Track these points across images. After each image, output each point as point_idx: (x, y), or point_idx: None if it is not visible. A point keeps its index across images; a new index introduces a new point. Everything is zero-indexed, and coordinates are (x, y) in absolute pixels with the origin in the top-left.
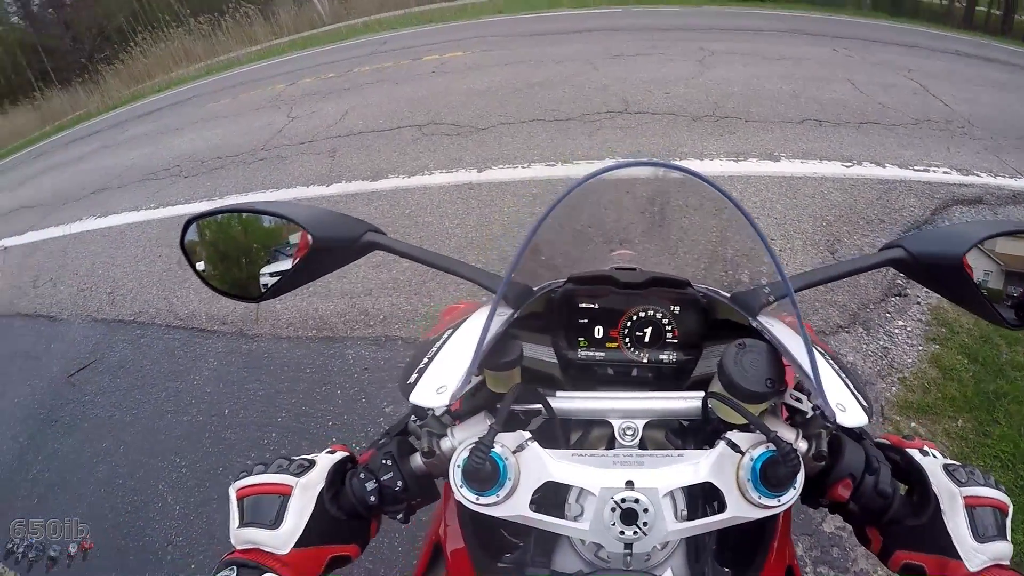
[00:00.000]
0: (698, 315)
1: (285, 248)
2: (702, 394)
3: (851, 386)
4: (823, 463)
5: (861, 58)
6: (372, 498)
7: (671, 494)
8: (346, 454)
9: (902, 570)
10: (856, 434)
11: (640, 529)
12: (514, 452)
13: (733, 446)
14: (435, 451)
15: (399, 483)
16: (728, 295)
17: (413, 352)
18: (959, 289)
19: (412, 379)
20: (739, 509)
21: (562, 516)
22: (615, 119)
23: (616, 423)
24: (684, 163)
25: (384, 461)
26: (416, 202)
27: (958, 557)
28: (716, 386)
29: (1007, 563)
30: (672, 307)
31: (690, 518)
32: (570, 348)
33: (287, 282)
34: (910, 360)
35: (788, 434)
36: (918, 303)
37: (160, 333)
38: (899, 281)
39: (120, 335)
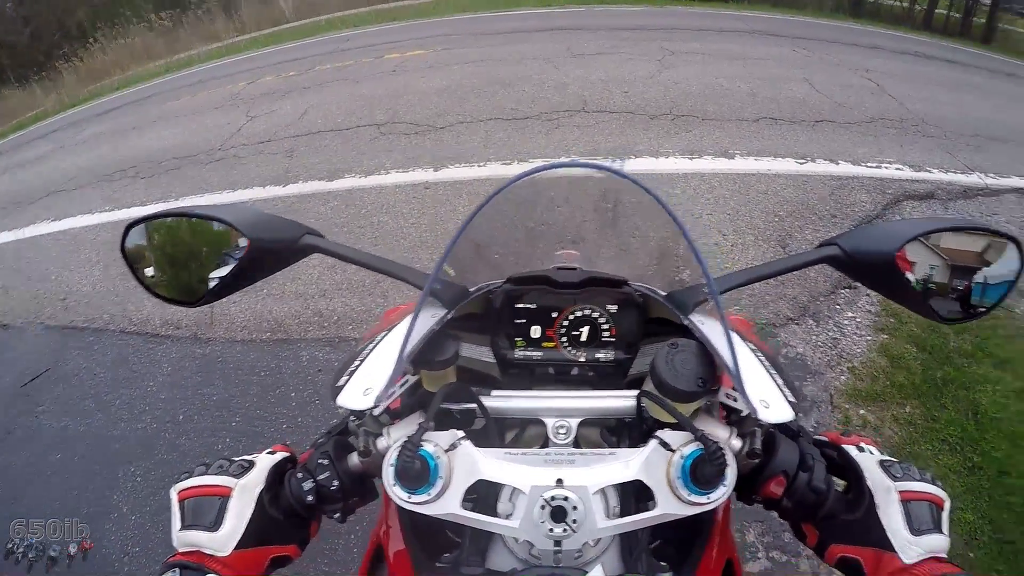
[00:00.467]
0: (636, 314)
1: (234, 251)
2: (635, 393)
3: (780, 383)
4: (757, 460)
5: (820, 58)
6: (309, 498)
7: (603, 492)
8: (286, 454)
9: (838, 564)
10: (793, 432)
11: (569, 527)
12: (446, 451)
13: (664, 444)
14: (371, 450)
15: (335, 482)
16: (664, 294)
17: (347, 354)
18: (892, 285)
19: (341, 381)
20: (669, 506)
21: (496, 515)
22: (573, 118)
23: (550, 422)
24: (639, 161)
25: (321, 460)
26: (372, 202)
27: (893, 550)
28: (649, 385)
29: (944, 555)
30: (609, 306)
31: (623, 515)
32: (508, 348)
33: (226, 286)
34: (859, 350)
35: (721, 432)
36: (867, 295)
37: (114, 339)
38: None
39: (74, 342)
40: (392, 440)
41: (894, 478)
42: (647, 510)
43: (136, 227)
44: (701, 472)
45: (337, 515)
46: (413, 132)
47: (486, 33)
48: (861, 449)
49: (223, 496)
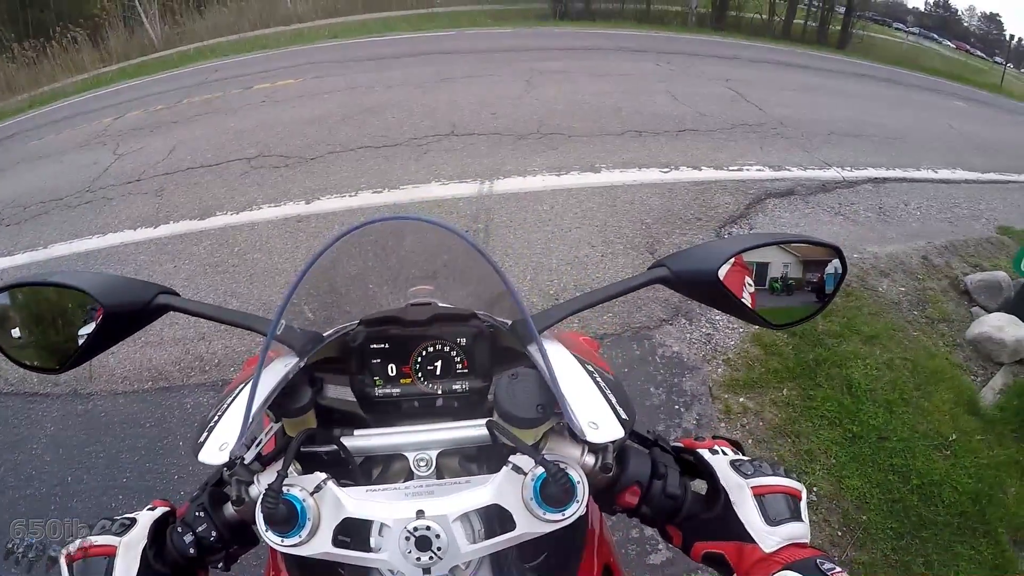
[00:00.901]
0: (486, 344)
1: (90, 316)
2: (484, 422)
3: (613, 402)
4: (611, 474)
5: (683, 71)
6: (191, 551)
7: (466, 517)
8: (167, 509)
9: (704, 559)
10: (650, 441)
11: (435, 554)
12: (312, 493)
13: (517, 469)
14: (244, 498)
15: (213, 533)
16: (509, 323)
17: (210, 409)
18: (720, 300)
19: (202, 438)
20: (528, 526)
21: (370, 550)
22: (442, 142)
23: (411, 455)
24: (508, 181)
25: (198, 513)
26: (245, 239)
27: (753, 541)
28: (495, 415)
29: (805, 541)
30: (460, 339)
31: (489, 537)
32: (369, 386)
33: (87, 350)
34: (732, 342)
35: (572, 451)
36: None
37: None
38: None
39: None
40: (262, 487)
41: (744, 475)
42: (511, 530)
43: None
44: (549, 492)
45: (221, 564)
46: (283, 164)
47: (356, 60)
48: (715, 452)
49: (109, 555)
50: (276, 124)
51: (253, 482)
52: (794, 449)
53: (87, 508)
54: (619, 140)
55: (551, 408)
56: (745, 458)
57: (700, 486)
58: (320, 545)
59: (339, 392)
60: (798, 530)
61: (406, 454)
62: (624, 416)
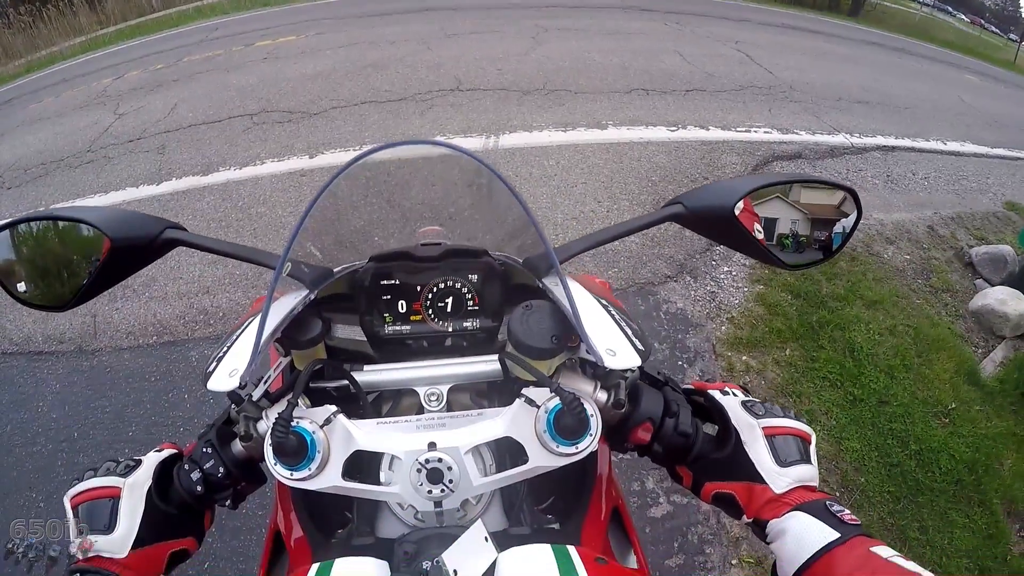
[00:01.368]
0: (498, 282)
1: (97, 251)
2: (496, 356)
3: (629, 334)
4: (623, 410)
5: (691, 31)
6: (198, 488)
7: (477, 451)
8: (173, 450)
9: (714, 500)
10: (660, 382)
11: (446, 486)
12: (322, 426)
13: (530, 401)
14: (252, 434)
15: (221, 469)
16: (521, 260)
17: (219, 344)
18: (733, 237)
19: (211, 367)
20: (541, 459)
21: (379, 484)
22: (447, 97)
23: (421, 390)
24: (513, 136)
25: (205, 450)
26: (248, 194)
27: (763, 481)
28: (509, 347)
29: (814, 484)
30: (471, 276)
31: (500, 471)
32: (379, 325)
33: (93, 286)
34: (737, 301)
35: (585, 386)
36: None
37: None
38: None
39: None
40: (271, 421)
41: (756, 416)
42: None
43: None
44: (564, 423)
45: (228, 502)
46: (287, 120)
47: (359, 16)
48: (725, 392)
49: (114, 497)
50: (279, 80)
51: (261, 418)
52: (796, 409)
53: (94, 462)
54: (626, 98)
55: (565, 339)
56: (756, 400)
57: (710, 430)
58: (330, 479)
59: (348, 332)
60: (808, 472)
61: (417, 389)
62: (640, 346)
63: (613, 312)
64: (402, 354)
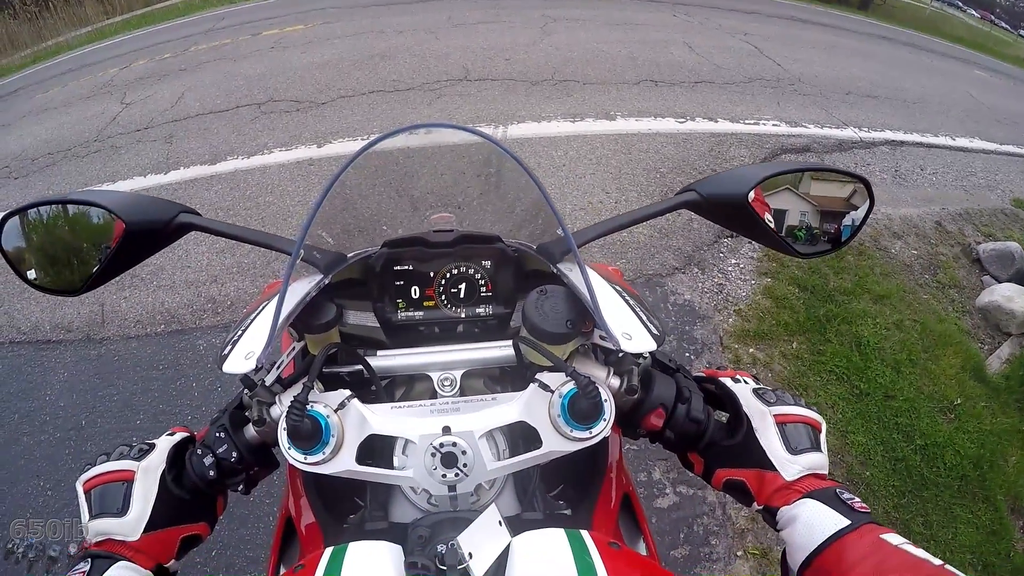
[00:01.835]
0: (510, 268)
1: (111, 235)
2: (510, 341)
3: (644, 319)
4: (636, 396)
5: (700, 23)
6: (211, 472)
7: (490, 436)
8: (186, 434)
9: (725, 487)
10: (671, 369)
11: (461, 471)
12: (336, 410)
13: (544, 386)
14: (265, 419)
15: (234, 454)
16: (534, 246)
17: (232, 328)
18: (747, 224)
19: (226, 351)
20: (554, 444)
21: (392, 468)
22: (455, 87)
23: (435, 375)
24: (522, 126)
25: (218, 434)
26: (256, 183)
27: (774, 468)
28: (523, 332)
29: (824, 472)
30: (484, 262)
31: (513, 456)
32: (391, 311)
33: (106, 270)
34: (744, 293)
35: (599, 372)
36: (750, 242)
37: (4, 351)
38: None
39: None
40: (284, 406)
41: (767, 403)
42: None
43: (12, 219)
44: (578, 408)
45: (241, 487)
46: (294, 109)
47: (366, 5)
48: (736, 380)
49: (127, 480)
50: (286, 69)
51: (275, 403)
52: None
53: (102, 450)
54: (635, 89)
55: (580, 324)
56: (768, 387)
57: (721, 418)
58: (344, 463)
59: (360, 319)
60: (818, 460)
61: (430, 374)
62: (655, 331)
63: (627, 297)
64: (414, 340)
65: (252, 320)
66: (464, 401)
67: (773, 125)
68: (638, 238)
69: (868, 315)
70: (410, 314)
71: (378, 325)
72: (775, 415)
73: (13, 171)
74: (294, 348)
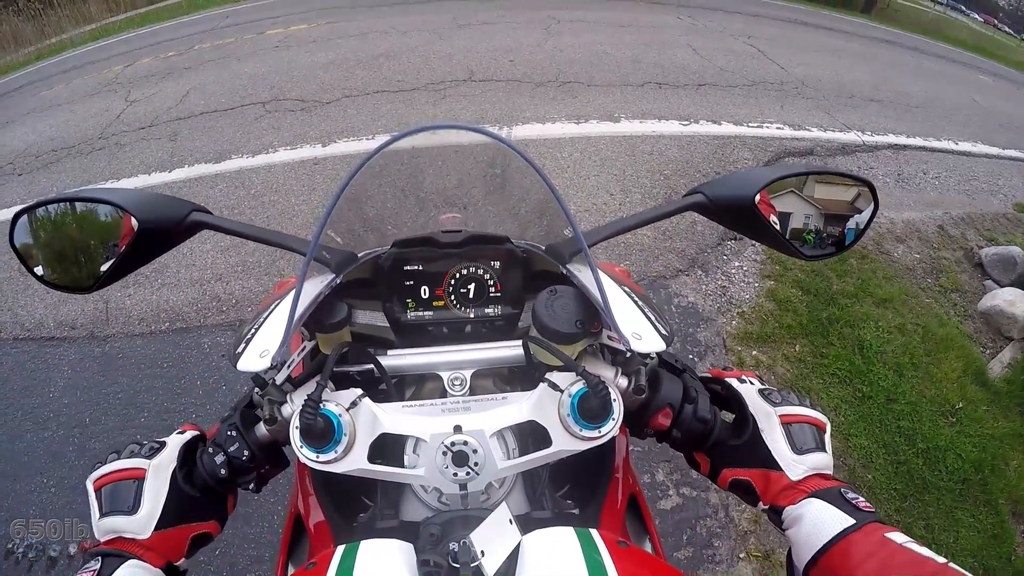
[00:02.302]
0: (519, 269)
1: (123, 233)
2: (520, 341)
3: (652, 319)
4: (643, 396)
5: (704, 25)
6: (222, 471)
7: (501, 435)
8: (196, 432)
9: (731, 486)
10: (678, 369)
11: (472, 469)
12: (348, 409)
13: (553, 386)
14: (277, 418)
15: (245, 452)
16: (543, 247)
17: (244, 325)
18: (754, 227)
19: (240, 349)
20: (564, 443)
21: (403, 467)
22: (460, 87)
23: (445, 375)
24: (526, 127)
25: (230, 433)
26: (261, 182)
27: (780, 469)
28: (533, 332)
29: (828, 472)
30: (493, 263)
31: (522, 456)
32: (401, 311)
33: (117, 269)
34: (748, 296)
35: (607, 372)
36: (753, 245)
37: (8, 348)
38: None
39: None
40: (296, 405)
41: (773, 403)
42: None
43: (23, 216)
44: (588, 407)
45: (251, 486)
46: (299, 108)
47: (370, 5)
48: (742, 381)
49: (138, 479)
50: (291, 69)
51: (286, 401)
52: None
53: (105, 448)
54: (639, 91)
55: (589, 324)
56: (773, 388)
57: (727, 418)
58: (355, 461)
59: (367, 318)
60: (823, 460)
61: (440, 373)
62: (664, 331)
63: (635, 297)
64: (423, 340)
65: (265, 318)
66: (475, 400)
67: (777, 128)
68: (642, 240)
69: (870, 318)
70: (420, 314)
71: (387, 325)
72: (780, 415)
73: (17, 168)
74: (304, 347)
